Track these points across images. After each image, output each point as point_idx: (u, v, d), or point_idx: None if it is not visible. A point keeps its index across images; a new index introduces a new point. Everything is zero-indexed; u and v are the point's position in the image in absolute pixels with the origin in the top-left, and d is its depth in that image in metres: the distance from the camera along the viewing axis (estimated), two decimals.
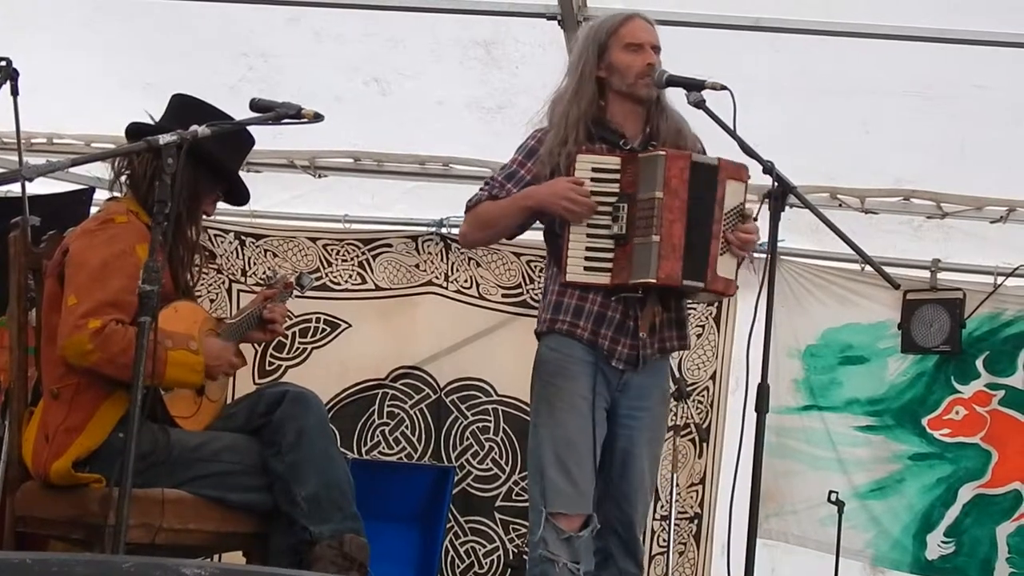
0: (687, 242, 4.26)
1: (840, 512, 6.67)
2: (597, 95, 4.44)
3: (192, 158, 3.90)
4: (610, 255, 4.30)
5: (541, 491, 4.32)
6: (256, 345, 7.01)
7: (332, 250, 7.36)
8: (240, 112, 4.12)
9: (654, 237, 4.24)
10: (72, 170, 6.57)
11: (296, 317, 7.15)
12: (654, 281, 4.25)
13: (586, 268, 4.31)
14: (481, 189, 4.47)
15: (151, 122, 4.34)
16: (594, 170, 4.34)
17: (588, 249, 4.31)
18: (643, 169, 4.30)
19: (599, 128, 4.43)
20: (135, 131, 4.29)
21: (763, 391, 4.06)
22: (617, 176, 4.32)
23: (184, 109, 4.32)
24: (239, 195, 4.54)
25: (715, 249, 4.28)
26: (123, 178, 4.33)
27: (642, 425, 4.45)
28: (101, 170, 6.84)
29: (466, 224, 4.51)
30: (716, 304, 7.04)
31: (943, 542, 6.91)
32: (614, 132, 4.45)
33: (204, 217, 4.46)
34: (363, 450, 7.21)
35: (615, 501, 4.43)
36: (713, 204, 4.28)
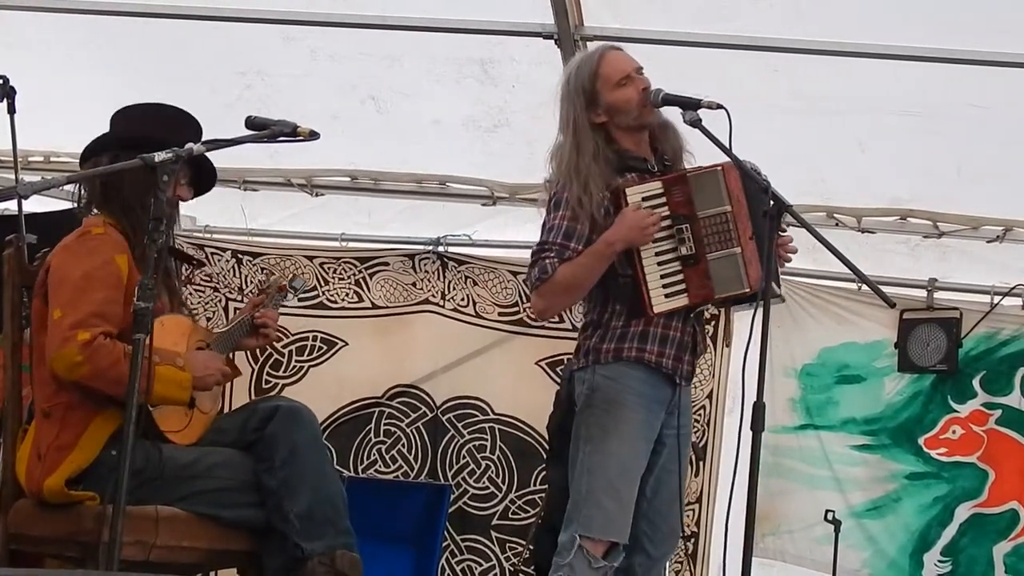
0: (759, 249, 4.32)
1: (836, 531, 6.66)
2: (600, 142, 4.43)
3: (128, 150, 3.89)
4: (680, 276, 4.35)
5: (585, 516, 4.31)
6: (252, 362, 7.03)
7: (329, 268, 7.35)
8: (237, 130, 4.13)
9: (735, 248, 4.32)
10: (69, 188, 6.59)
11: (293, 335, 7.14)
12: (749, 291, 4.31)
13: (666, 296, 4.35)
14: (543, 258, 4.35)
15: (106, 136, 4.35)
16: (644, 199, 4.39)
17: (662, 277, 4.35)
18: (698, 187, 4.36)
19: (621, 160, 4.45)
20: (95, 149, 4.31)
21: (758, 410, 4.05)
22: (664, 200, 4.38)
23: (139, 119, 4.33)
24: (205, 175, 4.46)
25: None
26: (83, 200, 4.35)
27: (680, 443, 4.51)
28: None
29: (546, 298, 4.37)
30: (713, 323, 7.04)
31: (940, 561, 6.90)
32: (636, 158, 4.48)
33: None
34: (359, 468, 7.19)
35: (647, 518, 4.44)
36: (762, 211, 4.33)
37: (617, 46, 4.57)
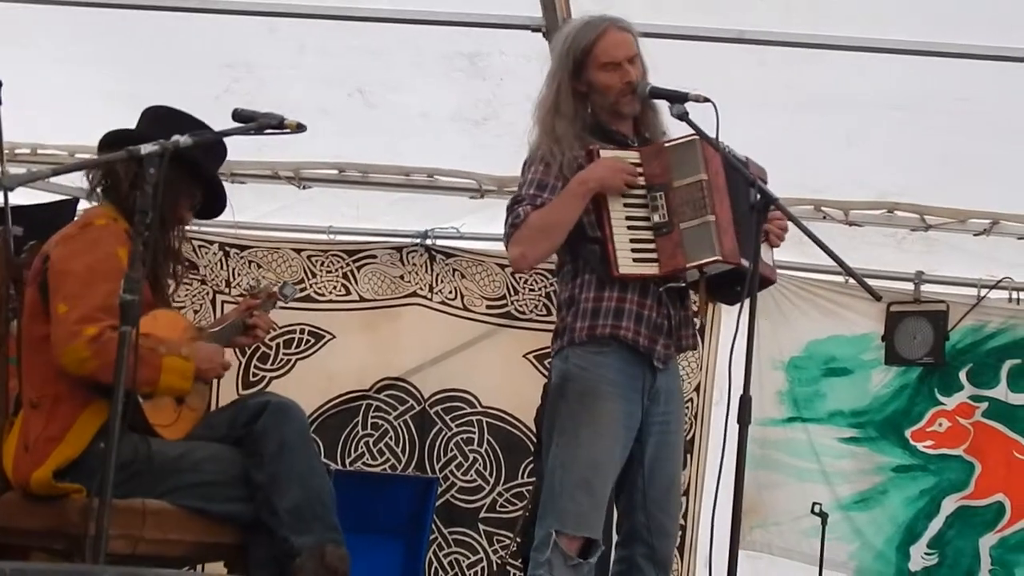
0: (735, 222, 4.25)
1: (824, 524, 6.68)
2: (580, 107, 4.41)
3: (171, 162, 3.88)
4: (652, 246, 4.25)
5: (559, 511, 4.25)
6: (240, 356, 7.03)
7: (316, 261, 7.35)
8: (224, 123, 4.12)
9: (709, 216, 4.21)
10: (56, 181, 6.59)
11: (280, 328, 7.13)
12: (719, 258, 4.21)
13: (635, 260, 4.25)
14: (516, 207, 4.29)
15: (128, 131, 4.33)
16: None
17: (632, 241, 4.26)
18: (675, 157, 4.28)
19: (599, 133, 4.41)
20: (112, 141, 4.29)
21: (745, 403, 4.04)
22: (640, 169, 4.31)
23: (160, 120, 4.32)
24: (217, 201, 4.52)
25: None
26: (99, 189, 4.34)
27: (669, 429, 4.42)
28: (85, 181, 6.85)
29: (520, 245, 4.25)
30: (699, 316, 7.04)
31: (926, 554, 6.92)
32: (616, 132, 4.44)
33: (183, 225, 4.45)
34: (347, 461, 7.20)
35: (644, 509, 4.35)
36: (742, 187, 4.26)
37: (623, 25, 4.46)
